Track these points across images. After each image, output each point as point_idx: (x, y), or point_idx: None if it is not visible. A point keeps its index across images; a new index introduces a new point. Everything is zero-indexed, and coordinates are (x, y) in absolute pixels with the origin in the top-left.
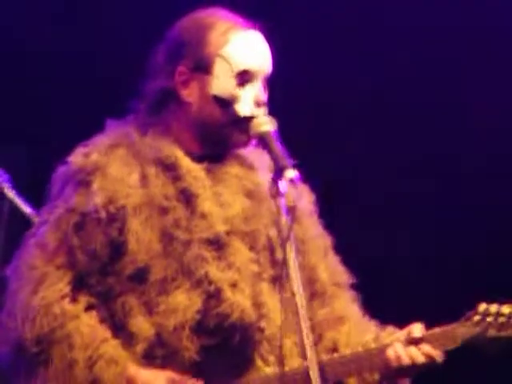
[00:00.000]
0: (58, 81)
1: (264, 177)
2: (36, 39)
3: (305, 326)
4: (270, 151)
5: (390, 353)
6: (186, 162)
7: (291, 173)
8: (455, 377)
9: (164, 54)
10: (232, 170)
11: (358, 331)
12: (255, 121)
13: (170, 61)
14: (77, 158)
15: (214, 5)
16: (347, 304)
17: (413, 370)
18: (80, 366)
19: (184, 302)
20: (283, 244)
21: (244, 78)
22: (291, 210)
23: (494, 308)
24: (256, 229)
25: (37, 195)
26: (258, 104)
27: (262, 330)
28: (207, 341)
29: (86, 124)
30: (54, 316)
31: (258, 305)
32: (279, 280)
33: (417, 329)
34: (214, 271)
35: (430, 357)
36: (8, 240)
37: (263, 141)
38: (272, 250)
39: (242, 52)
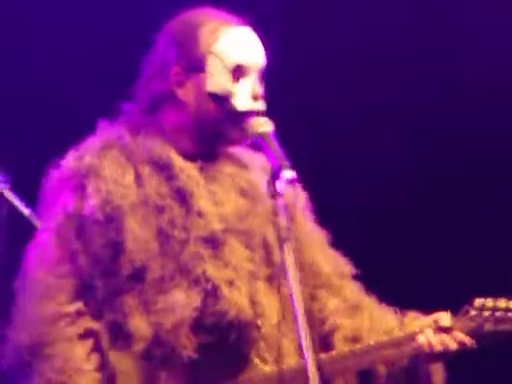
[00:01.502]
0: (55, 83)
1: (257, 176)
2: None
3: (303, 324)
4: (268, 151)
5: (422, 339)
6: (178, 161)
7: (289, 173)
8: None
9: (157, 56)
10: (225, 168)
11: (379, 316)
12: (254, 121)
13: (163, 63)
14: (70, 161)
15: (203, 4)
16: (357, 292)
17: (443, 356)
18: None
19: (182, 301)
20: (281, 244)
21: (238, 72)
22: (289, 211)
23: (490, 302)
24: (250, 227)
25: (35, 198)
26: (254, 97)
27: (258, 328)
28: (205, 339)
29: (83, 127)
30: (49, 332)
31: (254, 303)
32: (277, 279)
33: (445, 318)
34: (211, 269)
35: (463, 344)
36: (7, 241)
37: (261, 141)
38: (268, 249)
39: (233, 47)
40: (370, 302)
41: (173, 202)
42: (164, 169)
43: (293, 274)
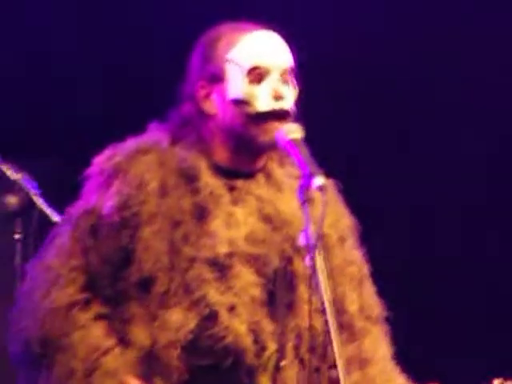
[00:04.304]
0: (85, 92)
1: (288, 203)
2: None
3: (335, 334)
4: (299, 158)
5: None
6: (206, 176)
7: (320, 180)
8: None
9: (187, 77)
10: (257, 190)
11: (384, 379)
12: (285, 127)
13: (191, 81)
14: (100, 159)
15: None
16: (377, 343)
17: None
18: (78, 376)
19: (179, 321)
20: (311, 252)
21: (256, 75)
22: (321, 219)
23: None
24: (266, 253)
25: (64, 205)
26: (276, 98)
27: (256, 356)
28: (199, 361)
29: (114, 135)
30: (62, 322)
31: (255, 330)
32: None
33: None
34: (213, 293)
35: None
36: (37, 248)
37: (292, 147)
38: (290, 276)
39: (248, 50)
40: (380, 359)
41: (190, 217)
42: (191, 181)
43: (323, 283)
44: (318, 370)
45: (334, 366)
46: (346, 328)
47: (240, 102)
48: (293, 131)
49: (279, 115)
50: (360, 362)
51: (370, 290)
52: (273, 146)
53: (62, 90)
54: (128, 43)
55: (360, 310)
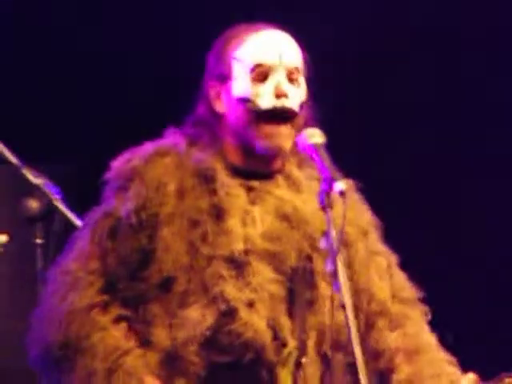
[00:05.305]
0: (108, 99)
1: (307, 203)
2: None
3: (355, 340)
4: (320, 162)
5: None
6: (222, 176)
7: (341, 184)
8: None
9: (202, 78)
10: (276, 190)
11: (433, 367)
12: (306, 132)
13: (204, 83)
14: (118, 163)
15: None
16: (420, 327)
17: None
18: (99, 376)
19: (196, 318)
20: (333, 256)
21: (260, 72)
22: (342, 223)
23: None
24: (283, 250)
25: (86, 210)
26: (278, 96)
27: (276, 352)
28: (219, 358)
29: (134, 139)
30: (82, 325)
31: (274, 326)
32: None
33: (468, 382)
34: (230, 290)
35: None
36: (59, 253)
37: (313, 152)
38: (310, 273)
39: (253, 48)
40: (428, 347)
41: (208, 217)
42: (208, 181)
43: (344, 287)
44: (350, 365)
45: (354, 364)
46: (383, 314)
47: (244, 100)
48: (314, 136)
49: (281, 114)
50: (408, 354)
51: (400, 275)
52: (273, 154)
53: (82, 96)
54: (150, 46)
55: (393, 296)
